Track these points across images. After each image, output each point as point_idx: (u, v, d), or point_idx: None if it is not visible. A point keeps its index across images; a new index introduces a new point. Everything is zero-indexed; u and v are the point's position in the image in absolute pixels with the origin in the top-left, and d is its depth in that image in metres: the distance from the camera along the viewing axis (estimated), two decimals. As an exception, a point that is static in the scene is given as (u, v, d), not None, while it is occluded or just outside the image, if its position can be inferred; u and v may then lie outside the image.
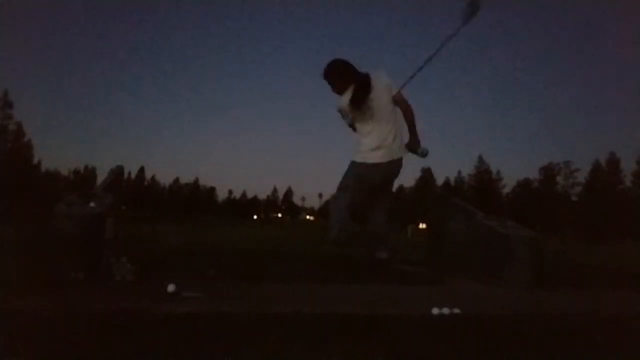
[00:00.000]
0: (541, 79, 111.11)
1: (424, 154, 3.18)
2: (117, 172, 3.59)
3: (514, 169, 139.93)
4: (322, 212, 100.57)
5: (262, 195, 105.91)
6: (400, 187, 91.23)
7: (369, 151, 3.25)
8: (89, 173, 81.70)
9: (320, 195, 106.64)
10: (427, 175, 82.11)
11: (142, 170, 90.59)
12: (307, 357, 1.50)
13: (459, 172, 79.82)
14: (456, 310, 2.25)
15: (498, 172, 74.35)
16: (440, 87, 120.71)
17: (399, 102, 3.42)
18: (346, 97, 3.29)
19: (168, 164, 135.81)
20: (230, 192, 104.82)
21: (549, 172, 67.47)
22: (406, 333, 1.81)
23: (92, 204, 2.93)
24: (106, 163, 73.68)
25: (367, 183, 3.33)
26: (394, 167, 3.33)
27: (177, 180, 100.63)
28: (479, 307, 2.45)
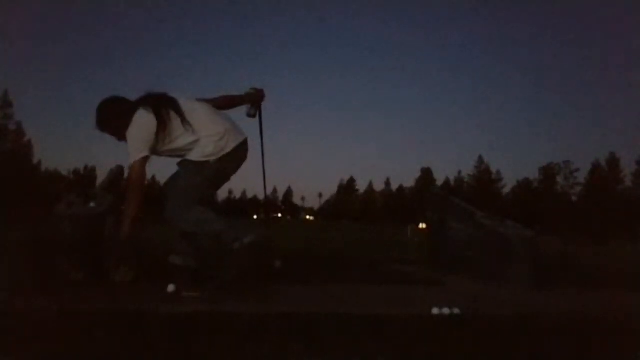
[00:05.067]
0: (541, 79, 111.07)
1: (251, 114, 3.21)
2: (117, 172, 3.58)
3: (514, 169, 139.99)
4: (322, 212, 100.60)
5: (262, 195, 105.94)
6: (400, 187, 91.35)
7: (218, 142, 2.84)
8: (89, 173, 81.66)
9: (320, 195, 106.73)
10: (427, 175, 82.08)
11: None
12: (307, 357, 1.50)
13: (459, 172, 79.81)
14: (456, 310, 2.24)
15: (498, 172, 74.33)
16: (440, 87, 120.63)
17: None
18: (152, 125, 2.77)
19: (168, 164, 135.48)
20: (230, 192, 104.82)
21: (549, 172, 67.47)
22: (406, 333, 1.81)
23: (92, 204, 2.93)
24: (106, 163, 73.60)
25: (220, 178, 2.97)
26: (246, 148, 3.00)
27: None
28: (479, 307, 2.45)
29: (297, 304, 2.27)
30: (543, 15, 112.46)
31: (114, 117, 2.83)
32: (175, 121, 2.80)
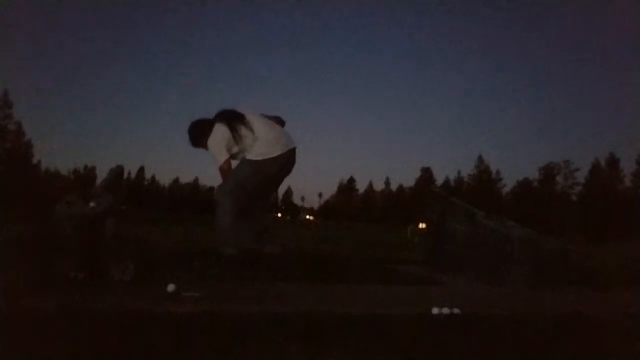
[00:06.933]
0: (541, 78, 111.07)
1: None
2: (117, 172, 3.58)
3: (514, 169, 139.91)
4: (322, 212, 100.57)
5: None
6: (400, 187, 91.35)
7: (268, 146, 3.60)
8: (89, 173, 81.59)
9: (320, 195, 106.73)
10: (427, 175, 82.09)
11: (142, 170, 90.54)
12: (307, 357, 1.50)
13: (459, 172, 79.78)
14: (456, 310, 2.24)
15: (498, 172, 74.30)
16: (440, 87, 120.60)
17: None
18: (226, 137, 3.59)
19: (168, 164, 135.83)
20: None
21: (549, 172, 67.45)
22: (406, 333, 1.81)
23: (92, 204, 2.93)
24: (106, 163, 73.51)
25: (265, 177, 3.68)
26: (292, 155, 3.75)
27: (177, 180, 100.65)
28: (479, 307, 2.45)
29: (297, 304, 2.27)
30: (543, 15, 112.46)
31: (200, 134, 3.70)
32: (243, 129, 3.61)
